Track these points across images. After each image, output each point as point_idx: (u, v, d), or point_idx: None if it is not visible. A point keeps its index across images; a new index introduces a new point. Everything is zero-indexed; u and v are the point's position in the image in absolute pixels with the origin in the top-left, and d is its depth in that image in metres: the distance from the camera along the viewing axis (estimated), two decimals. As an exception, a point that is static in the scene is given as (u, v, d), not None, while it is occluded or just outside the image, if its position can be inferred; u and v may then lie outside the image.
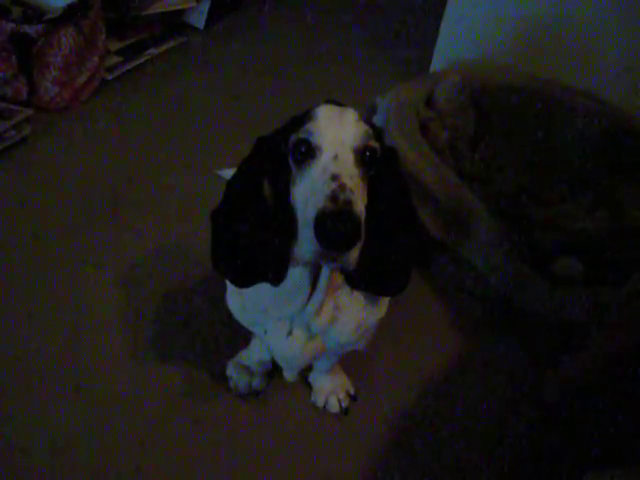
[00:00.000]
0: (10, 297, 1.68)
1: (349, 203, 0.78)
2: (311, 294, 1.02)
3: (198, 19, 3.12)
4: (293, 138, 0.90)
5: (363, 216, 0.81)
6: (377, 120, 2.41)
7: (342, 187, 0.79)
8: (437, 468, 1.43)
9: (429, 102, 2.19)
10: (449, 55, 2.64)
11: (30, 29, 2.21)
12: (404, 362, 1.63)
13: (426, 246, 1.83)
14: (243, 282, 1.00)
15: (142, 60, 2.79)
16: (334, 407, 1.49)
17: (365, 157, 0.89)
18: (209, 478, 1.36)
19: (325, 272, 0.99)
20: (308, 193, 0.85)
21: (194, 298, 1.73)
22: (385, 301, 1.18)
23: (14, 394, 1.46)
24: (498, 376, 1.64)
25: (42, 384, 1.49)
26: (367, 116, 2.52)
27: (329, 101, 0.97)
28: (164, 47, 2.93)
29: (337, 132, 0.88)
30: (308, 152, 0.88)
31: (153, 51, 2.86)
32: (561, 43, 2.37)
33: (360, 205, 0.81)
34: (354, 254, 0.82)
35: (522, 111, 2.31)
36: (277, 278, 0.95)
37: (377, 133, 0.93)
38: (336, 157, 0.85)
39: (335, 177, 0.81)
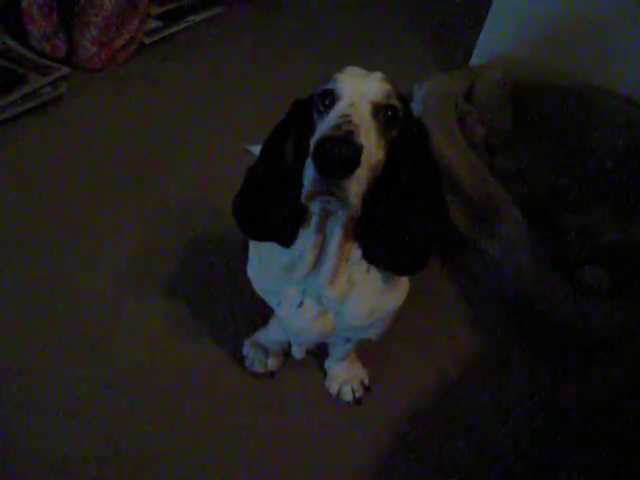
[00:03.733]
0: (35, 252, 1.71)
1: (350, 132, 0.79)
2: (321, 260, 1.01)
3: (241, -10, 3.09)
4: (318, 90, 0.92)
5: (366, 150, 0.81)
6: (413, 108, 2.38)
7: (348, 121, 0.81)
8: (445, 466, 1.43)
9: (468, 95, 2.15)
10: (491, 49, 2.59)
11: (74, -13, 2.21)
12: (421, 357, 1.62)
13: (451, 236, 1.82)
14: (255, 234, 1.05)
15: (182, 26, 2.78)
16: (347, 396, 1.49)
17: (386, 115, 0.90)
18: (216, 454, 1.37)
19: (335, 235, 0.97)
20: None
21: (215, 271, 1.73)
22: (403, 290, 1.16)
23: (32, 357, 1.48)
24: (513, 379, 1.62)
25: (60, 347, 1.51)
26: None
27: None
28: (204, 15, 2.91)
29: (359, 85, 0.90)
30: (330, 103, 0.90)
31: (193, 18, 2.84)
32: (607, 46, 2.31)
33: (364, 139, 0.81)
34: (352, 188, 0.80)
35: (560, 112, 2.26)
36: (288, 236, 0.98)
37: (402, 97, 0.94)
38: (352, 105, 0.87)
39: (344, 115, 0.83)
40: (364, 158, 0.79)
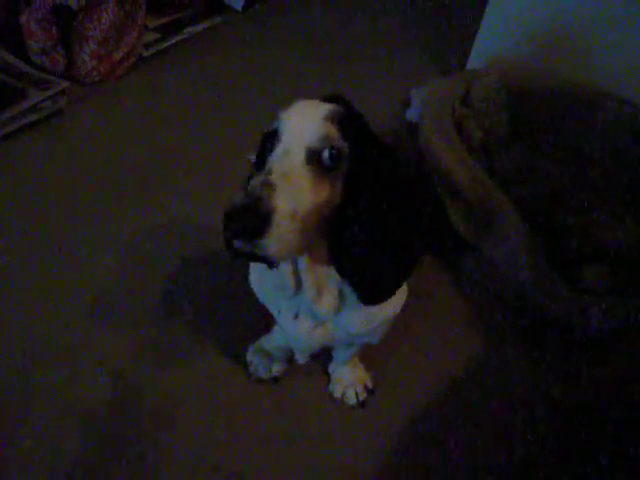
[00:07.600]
0: (30, 265, 1.72)
1: (260, 199, 0.77)
2: (301, 282, 1.01)
3: (236, 0, 3.10)
4: (271, 127, 0.91)
5: (287, 207, 0.79)
6: (411, 114, 2.40)
7: (264, 183, 0.79)
8: (448, 468, 1.43)
9: (465, 100, 2.16)
10: (487, 53, 2.60)
11: (72, 2, 2.22)
12: (422, 360, 1.63)
13: (450, 239, 1.83)
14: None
15: (179, 38, 2.80)
16: (351, 399, 1.50)
17: (326, 157, 0.87)
18: (221, 460, 1.37)
19: (302, 261, 0.96)
20: None
21: (216, 280, 1.74)
22: (400, 296, 1.16)
23: (28, 373, 1.49)
24: (513, 380, 1.63)
25: (60, 358, 1.52)
26: (399, 109, 2.51)
27: (333, 97, 0.97)
28: (202, 26, 2.93)
29: (298, 127, 0.88)
30: (274, 144, 0.89)
31: (191, 30, 2.86)
32: (604, 49, 2.33)
33: (281, 201, 0.78)
34: (272, 245, 0.79)
35: (557, 114, 2.27)
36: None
37: (355, 128, 0.91)
38: (286, 152, 0.85)
39: (269, 171, 0.81)
40: (283, 215, 0.78)
